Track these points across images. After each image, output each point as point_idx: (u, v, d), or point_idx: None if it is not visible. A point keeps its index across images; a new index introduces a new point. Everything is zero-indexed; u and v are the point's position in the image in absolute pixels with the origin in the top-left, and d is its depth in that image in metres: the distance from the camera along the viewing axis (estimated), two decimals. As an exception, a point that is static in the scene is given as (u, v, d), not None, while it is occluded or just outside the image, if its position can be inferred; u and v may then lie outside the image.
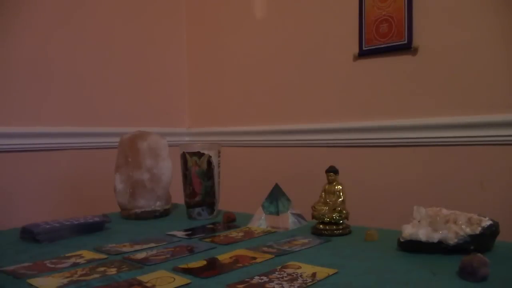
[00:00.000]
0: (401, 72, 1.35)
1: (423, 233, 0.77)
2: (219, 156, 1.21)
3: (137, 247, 0.88)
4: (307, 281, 0.65)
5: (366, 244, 0.86)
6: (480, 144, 1.21)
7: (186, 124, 2.00)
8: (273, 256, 0.79)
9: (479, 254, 0.64)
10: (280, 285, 0.63)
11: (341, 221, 0.95)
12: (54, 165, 1.50)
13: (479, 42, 1.21)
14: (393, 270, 0.69)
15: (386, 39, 1.36)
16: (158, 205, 1.22)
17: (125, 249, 0.86)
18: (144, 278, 0.68)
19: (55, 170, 1.50)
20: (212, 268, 0.73)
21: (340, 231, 0.94)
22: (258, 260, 0.76)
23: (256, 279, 0.66)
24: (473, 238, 0.75)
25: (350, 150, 1.47)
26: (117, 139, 1.26)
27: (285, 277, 0.67)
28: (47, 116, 1.49)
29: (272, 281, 0.65)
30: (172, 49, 1.94)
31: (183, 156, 1.18)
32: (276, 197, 1.05)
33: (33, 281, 0.68)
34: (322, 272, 0.69)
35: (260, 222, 1.05)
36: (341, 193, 0.98)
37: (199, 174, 1.16)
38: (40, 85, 1.47)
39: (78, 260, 0.79)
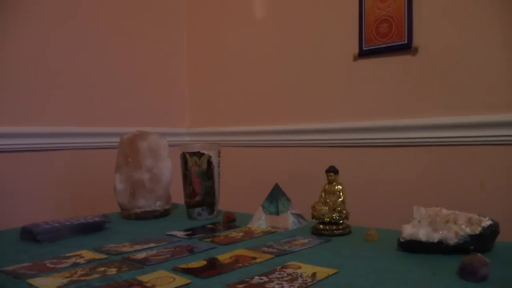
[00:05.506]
0: (401, 72, 1.35)
1: (423, 233, 0.77)
2: (219, 156, 1.21)
3: (137, 247, 0.88)
4: (307, 281, 0.65)
5: (366, 244, 0.86)
6: (480, 144, 1.21)
7: (186, 124, 2.00)
8: (273, 256, 0.79)
9: (479, 254, 0.64)
10: (280, 285, 0.63)
11: (341, 221, 0.95)
12: (54, 165, 1.50)
13: (479, 42, 1.21)
14: (393, 270, 0.69)
15: (386, 39, 1.36)
16: (158, 205, 1.22)
17: (125, 249, 0.86)
18: (144, 278, 0.68)
19: (55, 170, 1.50)
20: (212, 268, 0.73)
21: (340, 231, 0.94)
22: (258, 260, 0.76)
23: (256, 279, 0.66)
24: (473, 238, 0.74)
25: (350, 150, 1.47)
26: (117, 139, 1.26)
27: (285, 277, 0.67)
28: (47, 116, 1.49)
29: (272, 281, 0.65)
30: (172, 49, 1.94)
31: (183, 156, 1.18)
32: (276, 197, 1.05)
33: (33, 281, 0.68)
34: (322, 272, 0.69)
35: (260, 222, 1.05)
36: (341, 193, 0.98)
37: (199, 174, 1.16)
38: (40, 86, 1.47)
39: (78, 260, 0.79)
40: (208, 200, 1.18)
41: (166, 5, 1.90)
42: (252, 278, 0.67)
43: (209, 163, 1.17)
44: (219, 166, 1.21)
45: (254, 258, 0.77)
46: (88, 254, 0.83)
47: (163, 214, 1.23)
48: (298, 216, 1.07)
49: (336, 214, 0.95)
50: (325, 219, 0.95)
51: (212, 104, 1.91)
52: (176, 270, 0.72)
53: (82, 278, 0.69)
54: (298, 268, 0.71)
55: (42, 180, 1.47)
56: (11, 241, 0.96)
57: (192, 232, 1.02)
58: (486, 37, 1.19)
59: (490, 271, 0.62)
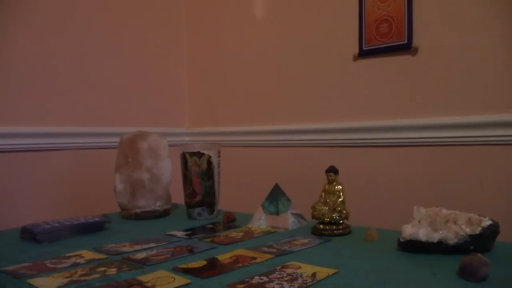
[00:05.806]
0: (401, 72, 1.35)
1: (423, 233, 0.77)
2: (219, 156, 1.21)
3: (137, 247, 0.88)
4: (307, 281, 0.65)
5: (366, 244, 0.86)
6: (480, 144, 1.21)
7: (186, 124, 2.00)
8: (273, 256, 0.79)
9: (479, 254, 0.64)
10: (280, 285, 0.63)
11: (341, 221, 0.95)
12: (54, 165, 1.50)
13: (479, 42, 1.21)
14: (393, 270, 0.69)
15: (386, 39, 1.36)
16: (158, 205, 1.22)
17: (125, 249, 0.86)
18: (144, 278, 0.68)
19: (55, 170, 1.50)
20: (212, 268, 0.73)
21: (340, 231, 0.94)
22: (258, 260, 0.76)
23: (256, 279, 0.66)
24: (473, 238, 0.74)
25: (350, 150, 1.47)
26: (117, 139, 1.26)
27: (285, 277, 0.67)
28: (47, 116, 1.49)
29: (272, 281, 0.65)
30: (172, 49, 1.94)
31: (183, 156, 1.18)
32: (276, 197, 1.05)
33: (33, 281, 0.68)
34: (322, 272, 0.69)
35: (260, 222, 1.05)
36: (341, 193, 0.98)
37: (199, 174, 1.16)
38: (40, 86, 1.47)
39: (78, 260, 0.79)
40: (208, 200, 1.18)
41: (166, 5, 1.90)
42: (252, 278, 0.67)
43: (209, 163, 1.17)
44: (219, 166, 1.21)
45: (254, 258, 0.77)
46: (88, 254, 0.83)
47: (163, 214, 1.23)
48: (298, 216, 1.07)
49: (336, 214, 0.95)
50: (325, 219, 0.95)
51: (212, 104, 1.91)
52: (176, 270, 0.72)
53: (82, 278, 0.69)
54: (298, 268, 0.71)
55: (42, 180, 1.47)
56: (11, 241, 0.96)
57: (192, 232, 1.02)
58: (486, 37, 1.19)
59: (490, 271, 0.62)
